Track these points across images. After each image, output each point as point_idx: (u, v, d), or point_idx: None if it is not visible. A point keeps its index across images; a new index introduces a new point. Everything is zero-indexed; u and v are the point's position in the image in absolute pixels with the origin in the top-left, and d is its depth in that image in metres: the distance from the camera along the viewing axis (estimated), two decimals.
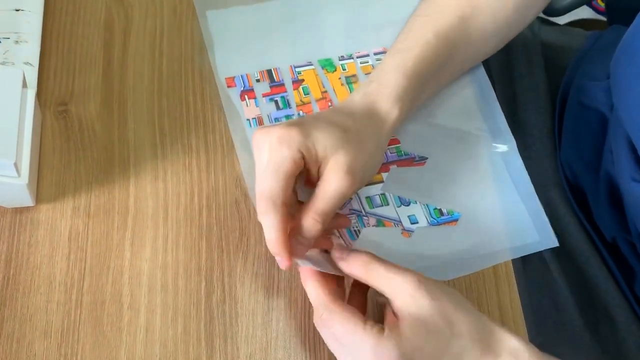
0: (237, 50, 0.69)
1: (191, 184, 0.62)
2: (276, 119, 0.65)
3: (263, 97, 0.67)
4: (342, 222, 0.60)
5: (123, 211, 0.60)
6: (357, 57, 0.70)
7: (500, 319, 0.59)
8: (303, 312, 0.57)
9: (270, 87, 0.67)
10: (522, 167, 0.65)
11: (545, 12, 0.88)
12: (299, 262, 0.54)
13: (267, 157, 0.53)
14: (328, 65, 0.69)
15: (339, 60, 0.69)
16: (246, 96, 0.66)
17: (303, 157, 0.53)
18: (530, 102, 0.81)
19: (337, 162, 0.54)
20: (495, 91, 0.84)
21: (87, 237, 0.59)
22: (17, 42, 0.64)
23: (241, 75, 0.67)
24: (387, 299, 0.51)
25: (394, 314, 0.51)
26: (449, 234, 0.61)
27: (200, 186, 0.62)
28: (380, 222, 0.61)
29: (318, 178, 0.55)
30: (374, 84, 0.60)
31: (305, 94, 0.67)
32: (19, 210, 0.60)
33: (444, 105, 0.68)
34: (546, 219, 0.63)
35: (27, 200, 0.58)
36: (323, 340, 0.55)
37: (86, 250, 0.59)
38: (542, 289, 0.73)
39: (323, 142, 0.54)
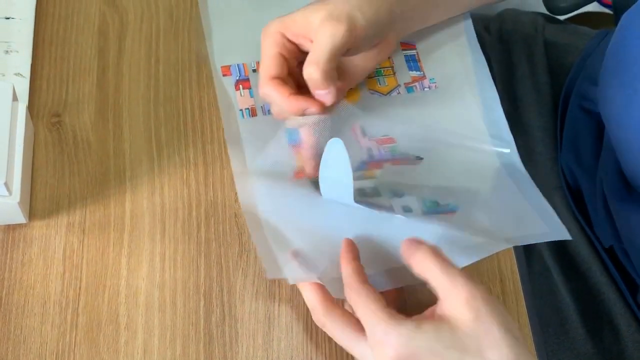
0: (235, 38, 0.67)
1: (189, 198, 0.60)
2: (269, 111, 0.63)
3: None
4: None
5: (119, 227, 0.59)
6: None
7: None
8: (305, 331, 0.56)
9: None
10: (523, 170, 0.63)
11: (550, 10, 0.86)
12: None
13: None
14: None
15: None
16: (241, 86, 0.65)
17: (286, 37, 0.59)
18: (532, 103, 0.79)
19: (317, 17, 0.57)
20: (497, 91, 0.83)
21: (82, 254, 0.58)
22: (7, 52, 0.61)
23: (237, 65, 0.66)
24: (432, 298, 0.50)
25: (431, 313, 0.50)
26: (446, 221, 0.59)
27: (199, 200, 0.60)
28: (372, 207, 0.60)
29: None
30: None
31: None
32: (12, 228, 0.58)
33: (444, 109, 0.66)
34: (555, 214, 0.60)
35: (19, 217, 0.57)
36: None
37: (81, 268, 0.57)
38: (544, 296, 0.73)
39: (301, 13, 0.58)
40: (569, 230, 0.72)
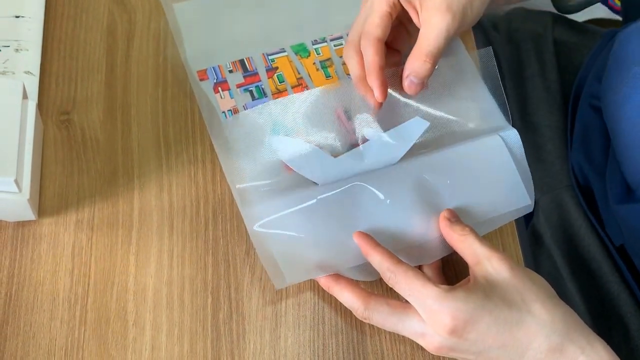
0: (207, 42, 0.67)
1: (197, 195, 0.61)
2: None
3: (237, 87, 0.65)
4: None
5: (127, 224, 0.59)
6: (331, 40, 0.68)
7: None
8: (312, 328, 0.56)
9: (244, 77, 0.66)
10: (519, 140, 0.62)
11: (558, 9, 0.86)
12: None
13: (368, 4, 0.58)
14: (301, 50, 0.67)
15: (312, 44, 0.68)
16: (220, 88, 0.65)
17: (399, 1, 0.57)
18: (542, 101, 0.79)
19: (434, 2, 0.55)
20: (506, 90, 0.83)
21: (91, 251, 0.58)
22: (17, 50, 0.62)
23: (213, 67, 0.66)
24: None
25: (467, 281, 0.52)
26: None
27: (206, 198, 0.61)
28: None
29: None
30: None
31: (280, 82, 0.66)
32: (21, 224, 0.58)
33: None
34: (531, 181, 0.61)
35: (29, 214, 0.57)
36: (333, 358, 0.55)
37: (90, 265, 0.57)
38: None
39: None
40: (580, 229, 0.72)
